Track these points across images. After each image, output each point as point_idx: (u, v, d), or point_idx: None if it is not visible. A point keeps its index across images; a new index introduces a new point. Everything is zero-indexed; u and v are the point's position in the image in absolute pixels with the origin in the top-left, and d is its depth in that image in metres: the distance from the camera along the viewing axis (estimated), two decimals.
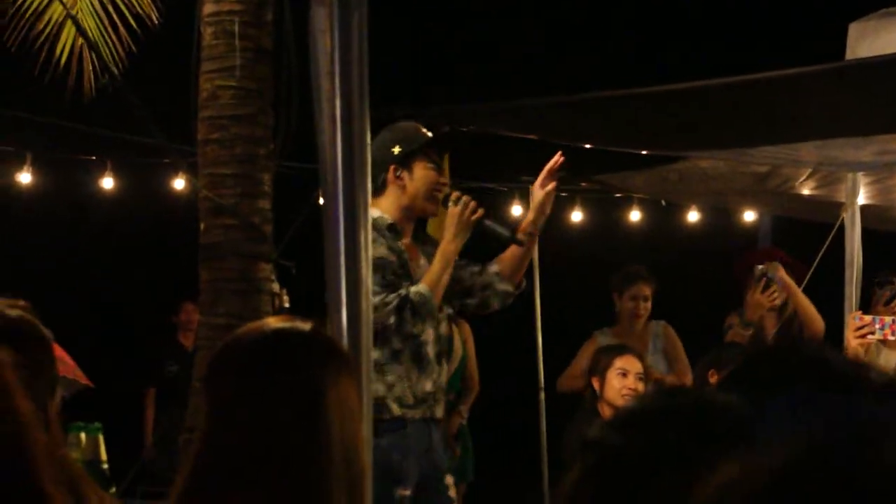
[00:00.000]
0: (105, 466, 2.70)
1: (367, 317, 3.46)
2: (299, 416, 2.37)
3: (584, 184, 8.94)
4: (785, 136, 6.24)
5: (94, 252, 10.19)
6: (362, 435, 2.51)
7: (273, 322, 2.60)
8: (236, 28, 5.07)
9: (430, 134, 4.92)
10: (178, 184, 8.82)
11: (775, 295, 6.61)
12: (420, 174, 4.81)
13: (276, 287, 5.04)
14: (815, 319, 6.92)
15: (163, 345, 10.01)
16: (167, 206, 9.03)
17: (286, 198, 5.59)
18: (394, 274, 4.69)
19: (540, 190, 4.92)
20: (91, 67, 6.49)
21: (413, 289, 4.65)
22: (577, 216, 9.57)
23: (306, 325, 2.51)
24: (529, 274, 8.46)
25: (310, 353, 2.45)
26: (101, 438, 2.73)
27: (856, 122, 5.91)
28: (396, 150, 4.82)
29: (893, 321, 5.83)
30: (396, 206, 4.83)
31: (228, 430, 2.40)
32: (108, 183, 8.99)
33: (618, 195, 9.45)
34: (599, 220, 9.81)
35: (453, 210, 4.69)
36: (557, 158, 4.95)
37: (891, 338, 5.92)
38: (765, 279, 6.52)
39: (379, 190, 4.81)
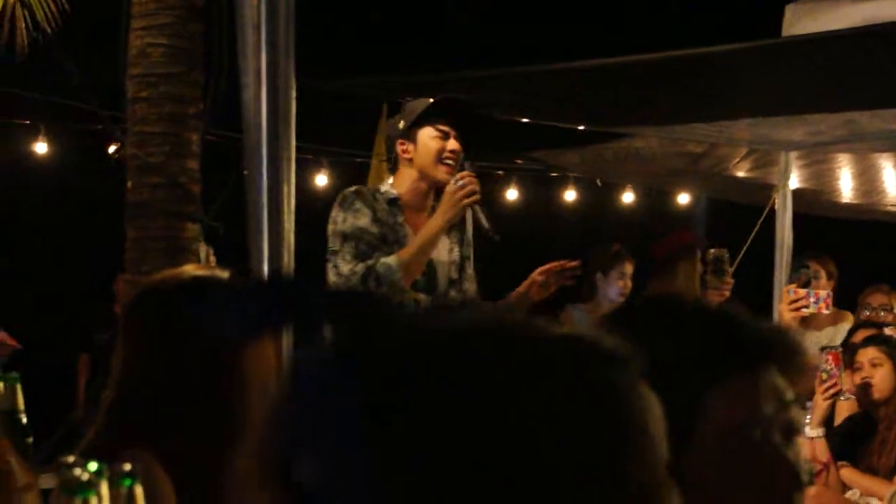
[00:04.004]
0: (22, 416, 2.66)
1: (289, 270, 3.43)
2: (214, 366, 2.34)
3: (519, 161, 8.94)
4: (719, 114, 6.27)
5: (29, 218, 10.08)
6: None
7: (191, 270, 2.58)
8: None
9: (437, 100, 4.82)
10: (114, 149, 8.72)
11: (727, 280, 6.64)
12: (423, 142, 4.73)
13: (202, 247, 5.00)
14: None
15: (96, 313, 9.95)
16: (103, 171, 8.93)
17: (218, 165, 5.54)
18: (368, 245, 4.62)
19: (539, 276, 4.91)
20: (24, 26, 6.41)
21: (382, 259, 4.58)
22: (512, 194, 9.56)
23: (224, 274, 2.48)
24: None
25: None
26: (18, 388, 2.69)
27: (789, 100, 5.95)
28: (401, 125, 4.78)
29: (828, 295, 5.86)
30: (408, 181, 4.76)
31: (142, 378, 2.37)
32: (41, 147, 8.88)
33: (554, 174, 9.46)
34: (535, 199, 9.81)
35: (449, 188, 4.60)
36: (573, 265, 4.97)
37: (825, 311, 5.95)
38: (716, 262, 6.55)
39: (393, 168, 4.81)
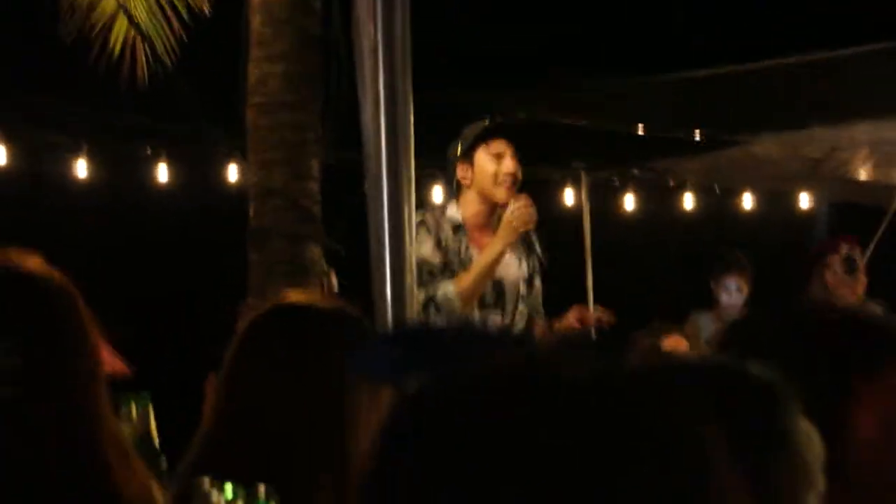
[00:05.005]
0: (155, 439, 2.69)
1: (412, 294, 3.47)
2: (336, 402, 2.27)
3: (635, 170, 8.89)
4: (839, 117, 6.21)
5: (151, 245, 10.25)
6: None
7: (317, 297, 2.57)
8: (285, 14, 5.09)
9: (488, 123, 4.94)
10: (233, 174, 8.82)
11: (860, 277, 6.58)
12: (479, 165, 4.85)
13: (325, 270, 5.06)
14: None
15: (222, 335, 10.04)
16: (225, 197, 9.06)
17: (339, 187, 5.60)
18: (429, 274, 4.73)
19: (575, 320, 5.02)
20: (144, 58, 6.55)
21: (441, 289, 4.71)
22: (629, 204, 9.51)
23: (349, 306, 2.45)
24: (582, 262, 8.46)
25: (345, 334, 2.37)
26: (150, 409, 2.72)
27: None
28: (459, 149, 4.88)
29: None
30: (471, 204, 4.89)
31: (256, 400, 2.32)
32: (163, 174, 9.02)
33: (670, 182, 9.40)
34: (652, 207, 9.74)
35: (507, 215, 4.74)
36: (608, 319, 5.04)
37: None
38: (848, 260, 6.50)
39: (456, 192, 4.91)
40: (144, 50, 6.52)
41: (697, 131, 7.00)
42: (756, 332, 1.57)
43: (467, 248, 4.85)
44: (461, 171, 4.88)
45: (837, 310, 1.65)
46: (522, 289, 4.96)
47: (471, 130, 4.91)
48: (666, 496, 0.83)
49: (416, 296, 4.57)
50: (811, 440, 1.04)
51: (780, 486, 1.01)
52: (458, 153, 4.88)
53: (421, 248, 4.68)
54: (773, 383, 1.06)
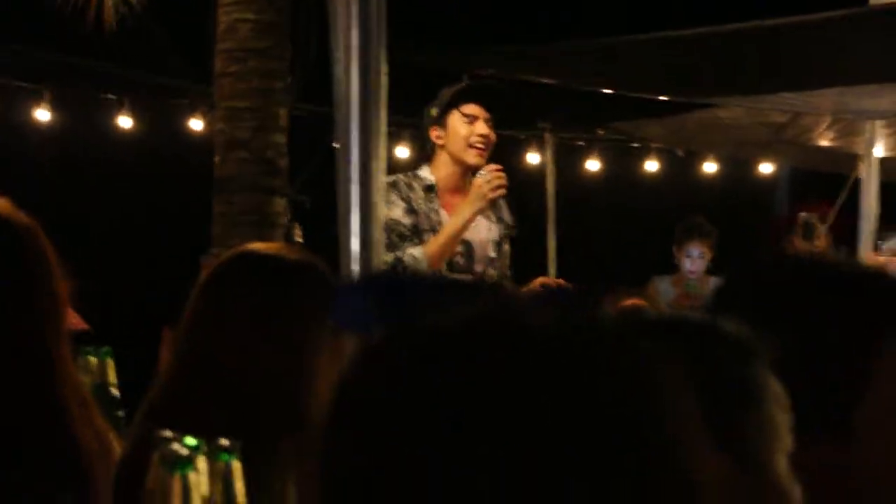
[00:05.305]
0: (114, 390, 2.67)
1: (380, 245, 3.46)
2: (302, 348, 2.27)
3: (600, 131, 8.91)
4: (804, 83, 6.23)
5: (112, 192, 10.19)
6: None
7: (283, 247, 2.55)
8: None
9: (463, 86, 4.94)
10: (197, 124, 8.78)
11: (817, 244, 6.63)
12: (452, 128, 4.85)
13: (288, 221, 5.06)
14: None
15: (183, 286, 9.97)
16: (189, 146, 9.01)
17: (304, 138, 5.58)
18: (399, 236, 4.74)
19: (537, 285, 5.08)
20: (111, 1, 6.48)
21: (409, 251, 4.71)
22: (593, 165, 9.54)
23: (315, 257, 2.45)
24: (544, 223, 8.49)
25: (307, 285, 2.35)
26: (110, 361, 2.69)
27: (875, 69, 5.90)
28: (434, 112, 4.89)
29: None
30: (443, 166, 4.88)
31: (218, 345, 2.30)
32: (125, 122, 8.97)
33: (635, 144, 9.43)
34: (616, 169, 9.78)
35: (477, 181, 4.73)
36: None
37: None
38: (806, 226, 6.56)
39: (430, 155, 4.90)
40: None
41: (663, 94, 7.00)
42: (764, 288, 1.53)
43: (437, 210, 4.86)
44: (434, 133, 4.88)
45: (849, 264, 1.59)
46: (492, 252, 4.98)
47: (446, 92, 4.91)
48: (629, 448, 0.84)
49: (384, 258, 4.59)
50: (781, 399, 1.05)
51: (751, 445, 1.02)
52: (433, 115, 4.89)
53: (391, 210, 4.68)
54: (746, 340, 1.06)
